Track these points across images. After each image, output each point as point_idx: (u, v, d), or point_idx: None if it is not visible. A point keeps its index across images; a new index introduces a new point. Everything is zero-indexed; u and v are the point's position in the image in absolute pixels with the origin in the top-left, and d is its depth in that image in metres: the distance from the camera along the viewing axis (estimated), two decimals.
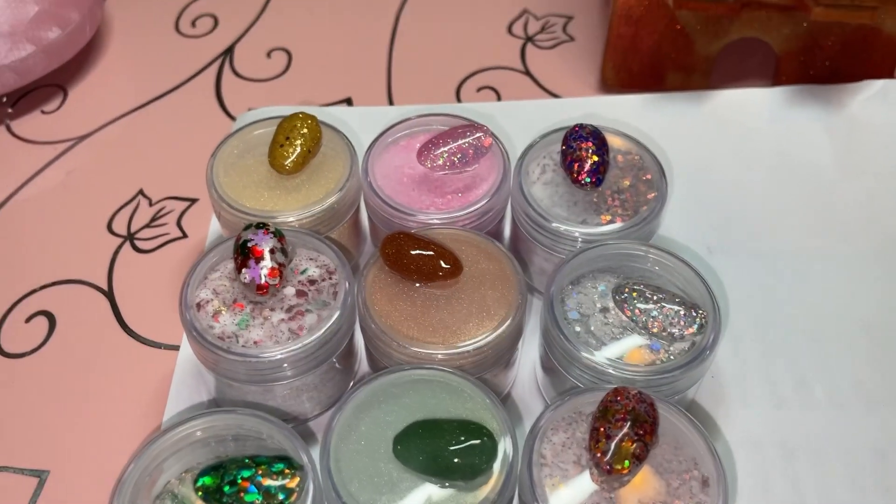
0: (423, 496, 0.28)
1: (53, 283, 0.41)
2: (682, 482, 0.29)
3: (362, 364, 0.38)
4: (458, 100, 0.51)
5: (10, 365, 0.38)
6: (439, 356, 0.32)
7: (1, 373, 0.38)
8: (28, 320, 0.40)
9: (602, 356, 0.32)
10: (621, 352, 0.33)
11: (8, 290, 0.41)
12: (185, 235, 0.44)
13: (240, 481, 0.27)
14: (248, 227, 0.34)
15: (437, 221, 0.37)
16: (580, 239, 0.37)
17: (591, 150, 0.37)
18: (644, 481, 0.29)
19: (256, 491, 0.27)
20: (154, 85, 0.52)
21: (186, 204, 0.45)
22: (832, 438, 0.36)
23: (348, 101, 0.51)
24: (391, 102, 0.51)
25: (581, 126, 0.39)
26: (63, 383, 0.38)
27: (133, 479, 0.29)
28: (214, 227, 0.44)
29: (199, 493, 0.28)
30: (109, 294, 0.41)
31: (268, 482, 0.27)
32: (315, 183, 0.38)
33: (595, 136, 0.38)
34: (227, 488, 0.27)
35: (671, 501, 0.29)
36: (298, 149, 0.38)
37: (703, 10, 0.45)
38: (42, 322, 0.40)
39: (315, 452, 0.30)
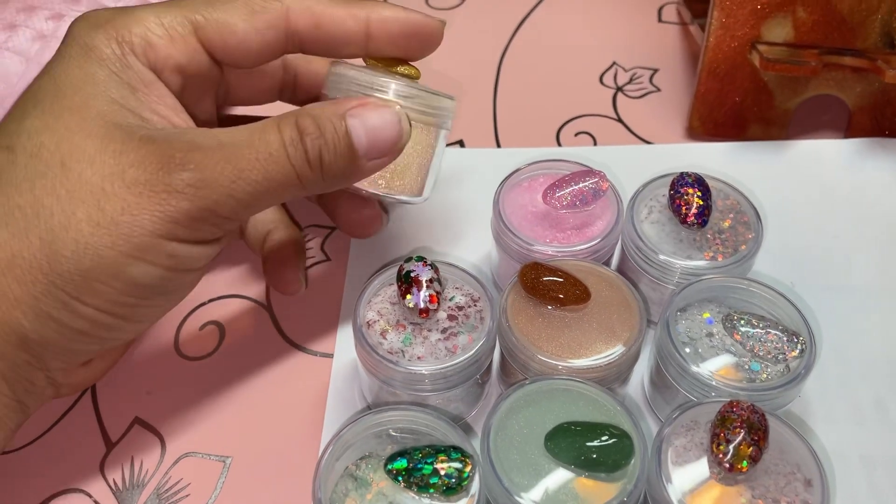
0: (571, 485, 0.34)
1: (220, 298, 0.48)
2: (788, 482, 0.35)
3: (492, 377, 0.44)
4: (559, 143, 0.57)
5: (188, 366, 0.45)
6: (571, 369, 0.38)
7: (182, 373, 0.45)
8: (201, 328, 0.47)
9: (708, 371, 0.38)
10: (726, 369, 0.39)
11: (181, 304, 0.48)
12: (328, 259, 0.50)
13: (425, 465, 0.33)
14: (409, 260, 0.40)
15: (559, 253, 0.43)
16: (685, 271, 0.43)
17: (696, 195, 0.43)
18: (755, 479, 0.35)
19: (439, 473, 0.33)
20: None
21: (328, 230, 0.52)
22: None
23: (461, 143, 0.58)
24: (498, 144, 0.58)
25: (686, 174, 0.44)
26: (235, 383, 0.44)
27: (330, 462, 0.35)
28: (353, 254, 0.50)
29: (391, 475, 0.34)
30: (269, 308, 0.48)
31: (447, 467, 0.33)
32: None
33: (700, 183, 0.44)
34: (415, 471, 0.33)
35: (779, 498, 0.34)
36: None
37: (787, 71, 0.51)
38: (213, 330, 0.47)
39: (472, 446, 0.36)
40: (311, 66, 0.45)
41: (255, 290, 0.49)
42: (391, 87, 0.39)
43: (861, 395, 0.43)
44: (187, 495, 0.40)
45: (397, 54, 0.41)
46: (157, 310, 0.36)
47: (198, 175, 0.33)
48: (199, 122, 0.42)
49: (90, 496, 0.40)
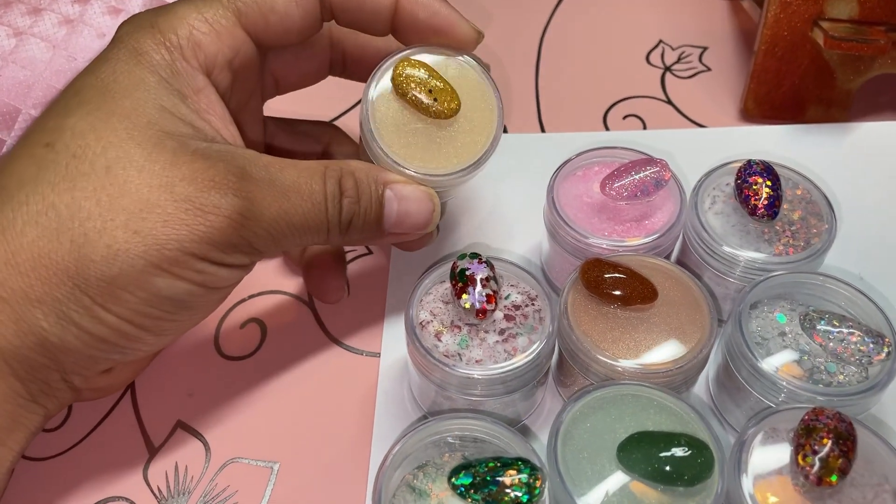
0: (648, 498, 0.32)
1: (260, 294, 0.46)
2: (876, 494, 0.33)
3: (549, 378, 0.42)
4: (606, 127, 0.55)
5: (230, 366, 0.43)
6: (638, 373, 0.36)
7: (224, 373, 0.43)
8: (242, 326, 0.45)
9: (783, 373, 0.36)
10: (800, 371, 0.37)
11: None
12: (369, 252, 0.48)
13: (493, 481, 0.31)
14: (462, 257, 0.38)
15: (618, 247, 0.41)
16: (750, 265, 0.40)
17: (765, 185, 0.41)
18: (842, 492, 0.32)
19: (508, 489, 0.31)
20: None
21: None
22: None
23: (504, 128, 0.55)
24: (542, 129, 0.55)
25: (753, 161, 0.42)
26: (279, 384, 0.42)
27: (389, 473, 0.33)
28: (396, 249, 0.48)
29: (459, 491, 0.32)
30: (310, 304, 0.46)
31: (517, 482, 0.31)
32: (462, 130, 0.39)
33: (769, 172, 0.41)
34: (483, 487, 0.31)
35: None
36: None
37: (854, 50, 0.48)
38: (254, 328, 0.45)
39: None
40: (358, 40, 0.43)
41: (296, 285, 0.47)
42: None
43: None
44: (235, 503, 0.38)
45: (422, 43, 0.39)
46: (179, 324, 0.35)
47: (247, 205, 0.33)
48: (248, 129, 0.41)
49: None
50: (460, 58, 0.40)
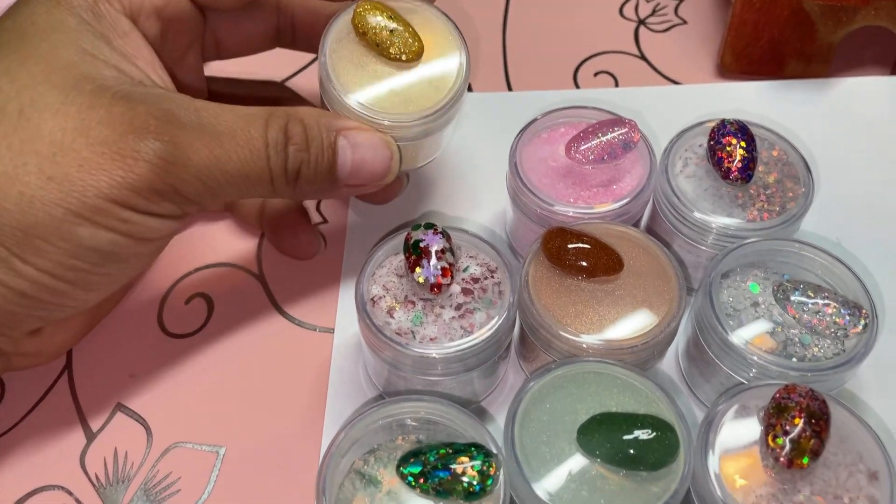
0: (609, 484, 0.30)
1: (206, 267, 0.43)
2: (850, 474, 0.31)
3: (510, 355, 0.40)
4: (576, 85, 0.52)
5: (175, 345, 0.41)
6: (602, 349, 0.34)
7: (168, 352, 0.40)
8: (187, 302, 0.42)
9: (754, 347, 0.34)
10: (773, 344, 0.35)
11: (164, 275, 0.43)
12: (325, 221, 0.45)
13: (443, 469, 0.29)
14: (417, 228, 0.35)
15: (584, 214, 0.38)
16: (724, 232, 0.38)
17: (740, 146, 0.38)
18: (814, 473, 0.31)
19: (460, 477, 0.29)
20: None
21: None
22: None
23: (468, 87, 0.52)
24: (510, 87, 0.52)
25: (727, 121, 0.39)
26: (226, 363, 0.40)
27: (335, 459, 0.31)
28: (353, 215, 0.45)
29: (405, 479, 0.30)
30: (261, 277, 0.43)
31: (469, 470, 0.29)
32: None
33: (743, 132, 0.39)
34: (432, 477, 0.29)
35: (841, 494, 0.30)
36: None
37: (836, 1, 0.45)
38: (200, 304, 0.42)
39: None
40: (307, 4, 0.40)
41: (246, 257, 0.44)
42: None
43: None
44: (178, 490, 0.36)
45: None
46: (109, 278, 0.33)
47: (170, 150, 0.30)
48: (183, 83, 0.39)
49: (70, 493, 0.36)
50: (426, 6, 0.37)
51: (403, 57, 0.36)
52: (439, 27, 0.37)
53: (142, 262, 0.34)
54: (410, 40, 0.36)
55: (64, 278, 0.31)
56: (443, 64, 0.37)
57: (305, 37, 0.41)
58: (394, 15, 0.36)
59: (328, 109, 0.37)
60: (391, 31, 0.36)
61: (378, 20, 0.36)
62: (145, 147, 0.30)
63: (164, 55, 0.36)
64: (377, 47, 0.36)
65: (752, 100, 0.50)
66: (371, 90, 0.36)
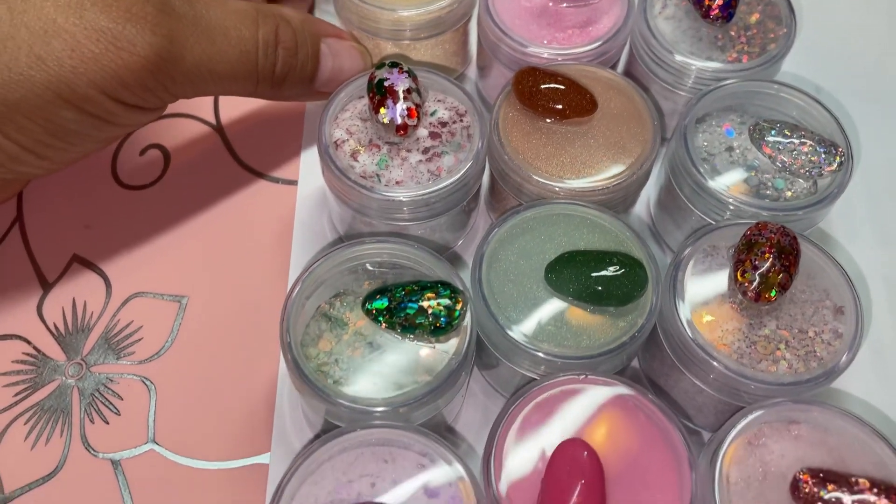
0: (576, 320, 0.30)
1: (160, 118, 0.41)
2: (816, 310, 0.31)
3: (480, 202, 0.39)
4: None
5: (130, 196, 0.39)
6: (572, 191, 0.33)
7: (124, 204, 0.39)
8: (142, 153, 0.40)
9: (726, 188, 0.33)
10: (747, 188, 0.34)
11: None
12: None
13: (409, 304, 0.29)
14: (381, 66, 0.33)
15: (559, 56, 0.37)
16: (703, 76, 0.37)
17: None
18: (780, 308, 0.31)
19: (426, 312, 0.29)
20: None
21: None
22: None
23: None
24: None
25: None
26: (186, 215, 0.39)
27: (299, 301, 0.30)
28: None
29: (371, 315, 0.29)
30: (219, 129, 0.41)
31: (435, 305, 0.29)
32: None
33: None
34: (399, 311, 0.29)
35: (807, 328, 0.30)
36: None
37: None
38: (156, 155, 0.40)
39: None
40: None
41: (203, 107, 0.42)
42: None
43: (888, 214, 0.39)
44: (140, 339, 0.35)
45: None
46: (67, 153, 0.32)
47: (167, 45, 0.30)
48: None
49: (29, 342, 0.35)
50: None
51: None
52: None
53: (105, 144, 0.34)
54: None
55: (33, 151, 0.31)
56: None
57: None
58: None
59: None
60: None
61: None
62: (142, 41, 0.29)
63: None
64: None
65: None
66: None
